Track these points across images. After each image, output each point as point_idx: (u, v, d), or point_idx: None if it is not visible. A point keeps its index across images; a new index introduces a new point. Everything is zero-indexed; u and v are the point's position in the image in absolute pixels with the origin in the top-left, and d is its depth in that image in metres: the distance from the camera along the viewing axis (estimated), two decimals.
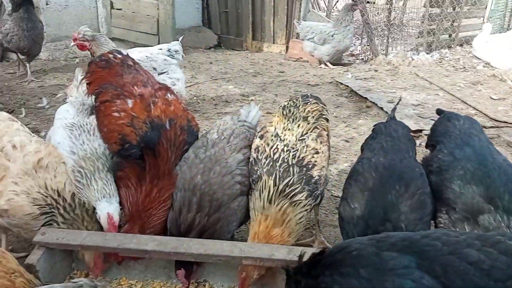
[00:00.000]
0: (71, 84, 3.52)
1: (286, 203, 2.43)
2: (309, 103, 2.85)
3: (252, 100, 6.41)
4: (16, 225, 2.56)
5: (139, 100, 2.76)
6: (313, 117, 2.76)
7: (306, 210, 2.54)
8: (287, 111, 2.81)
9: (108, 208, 2.54)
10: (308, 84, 7.03)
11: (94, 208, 2.60)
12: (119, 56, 3.11)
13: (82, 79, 3.18)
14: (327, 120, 2.86)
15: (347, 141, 4.78)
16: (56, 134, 2.83)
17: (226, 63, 8.46)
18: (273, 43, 9.76)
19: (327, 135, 2.80)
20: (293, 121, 2.74)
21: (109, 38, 8.52)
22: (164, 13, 7.96)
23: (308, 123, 2.72)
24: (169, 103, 2.82)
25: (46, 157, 2.66)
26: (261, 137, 2.73)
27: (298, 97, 2.94)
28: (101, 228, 2.61)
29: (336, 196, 3.71)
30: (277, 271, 2.48)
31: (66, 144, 2.73)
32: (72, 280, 1.83)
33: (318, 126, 2.73)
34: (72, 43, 4.45)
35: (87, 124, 2.91)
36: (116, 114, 2.72)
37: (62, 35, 8.11)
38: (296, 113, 2.78)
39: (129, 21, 8.37)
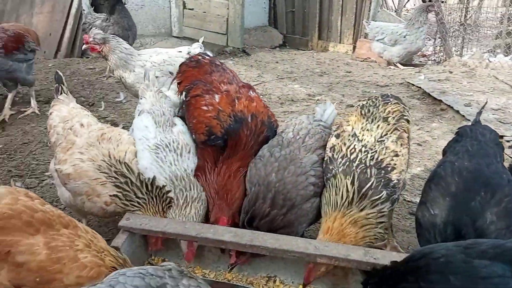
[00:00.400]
0: (144, 83, 3.45)
1: (368, 206, 2.39)
2: (389, 103, 2.79)
3: (318, 100, 6.38)
4: (79, 192, 2.70)
5: (225, 95, 2.95)
6: (393, 118, 2.69)
7: (384, 214, 2.49)
8: (366, 111, 2.76)
9: None
10: (377, 85, 6.86)
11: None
12: (207, 57, 3.36)
13: (174, 79, 3.39)
14: (408, 121, 2.77)
15: (419, 144, 4.61)
16: (143, 158, 2.75)
17: (292, 62, 8.47)
18: (340, 42, 9.64)
19: (408, 137, 2.71)
20: (372, 122, 2.69)
21: (181, 37, 8.93)
22: (234, 12, 8.13)
23: (388, 124, 2.66)
24: (252, 100, 2.97)
25: (109, 133, 2.88)
26: (338, 136, 2.71)
27: (378, 97, 2.88)
28: None
29: (408, 201, 3.60)
30: (350, 271, 2.46)
31: (155, 170, 2.71)
32: (160, 264, 1.93)
33: (398, 128, 2.65)
34: (84, 46, 4.53)
35: (173, 142, 2.85)
36: (204, 107, 2.91)
37: (138, 33, 8.49)
38: (375, 113, 2.73)
39: (200, 20, 8.64)
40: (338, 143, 2.65)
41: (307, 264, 2.41)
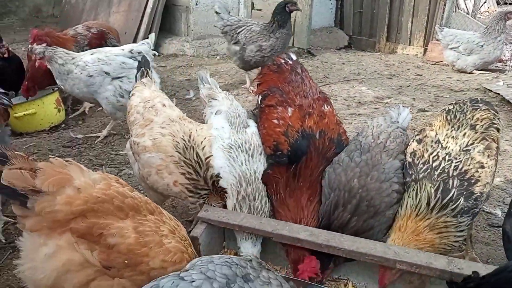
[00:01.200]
0: (205, 87, 3.40)
1: (447, 216, 2.31)
2: (478, 109, 2.65)
3: (387, 103, 6.22)
4: (150, 164, 2.74)
5: (297, 109, 2.92)
6: (482, 126, 2.56)
7: (462, 228, 2.38)
8: (452, 116, 2.65)
9: (251, 249, 2.62)
10: (451, 90, 6.56)
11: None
12: (290, 62, 3.30)
13: (254, 79, 3.44)
14: (498, 130, 2.61)
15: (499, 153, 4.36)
16: (217, 157, 2.81)
17: (359, 64, 8.32)
18: (409, 44, 9.32)
19: (497, 147, 2.57)
20: (458, 128, 2.57)
21: None
22: (302, 13, 8.12)
23: (476, 132, 2.53)
24: (324, 115, 2.91)
25: (189, 119, 2.98)
26: (419, 141, 2.63)
27: (466, 101, 2.76)
28: None
29: (487, 212, 3.42)
30: (428, 280, 2.39)
31: (227, 169, 2.76)
32: (241, 254, 1.99)
33: (487, 137, 2.52)
34: (37, 64, 4.48)
35: (246, 143, 2.88)
36: (275, 121, 2.90)
37: (207, 33, 8.76)
38: (462, 120, 2.61)
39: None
40: (420, 149, 2.57)
41: (381, 267, 2.37)
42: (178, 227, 2.29)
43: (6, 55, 5.12)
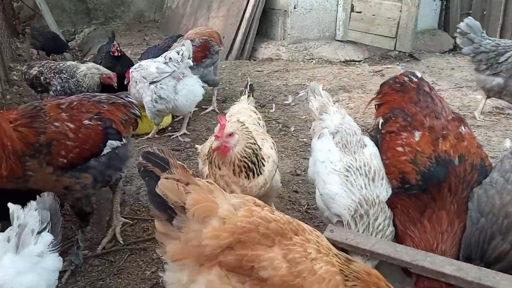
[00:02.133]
0: (316, 99, 3.27)
1: None
2: None
3: (508, 114, 5.58)
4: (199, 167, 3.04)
5: (428, 133, 2.60)
6: None
7: None
8: None
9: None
10: None
11: None
12: (415, 80, 2.97)
13: (372, 100, 3.17)
14: None
15: None
16: (330, 183, 2.64)
17: (471, 69, 7.56)
18: None
19: None
20: None
21: (344, 41, 8.75)
22: (407, 15, 7.64)
23: None
24: (462, 138, 2.57)
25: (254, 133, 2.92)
26: None
27: None
28: None
29: None
30: None
31: (344, 194, 2.57)
32: None
33: None
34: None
35: (365, 166, 2.65)
36: (400, 148, 2.62)
37: (303, 37, 8.62)
38: None
39: (367, 23, 8.34)
40: None
41: None
42: (319, 238, 2.08)
43: (116, 54, 5.42)
